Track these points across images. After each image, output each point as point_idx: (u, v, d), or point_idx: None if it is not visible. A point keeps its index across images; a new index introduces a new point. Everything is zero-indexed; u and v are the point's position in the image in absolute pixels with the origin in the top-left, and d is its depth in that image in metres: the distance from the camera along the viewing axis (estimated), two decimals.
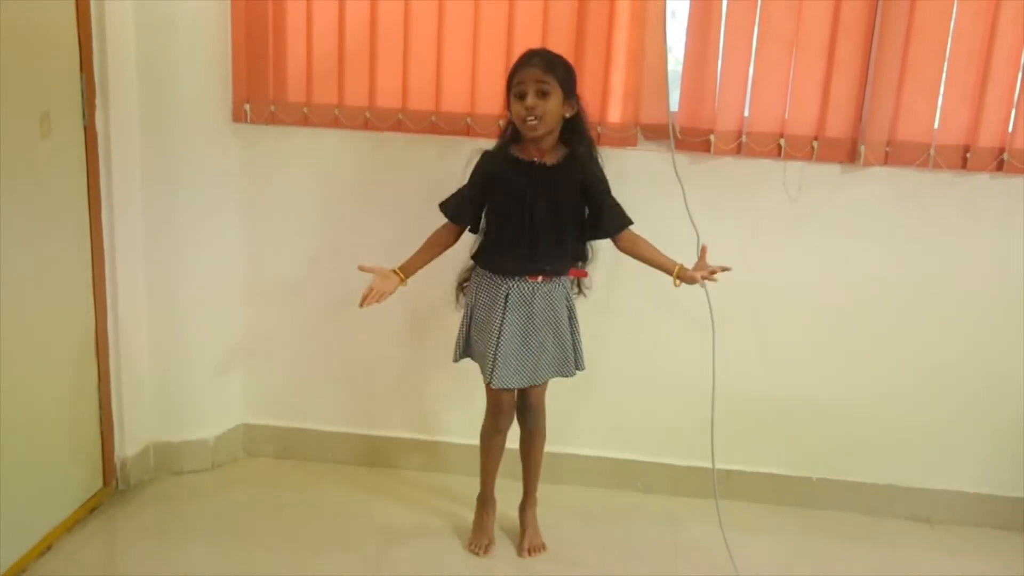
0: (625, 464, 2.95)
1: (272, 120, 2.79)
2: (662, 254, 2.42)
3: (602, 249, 2.53)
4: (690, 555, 2.64)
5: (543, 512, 2.66)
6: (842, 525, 2.85)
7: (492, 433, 2.58)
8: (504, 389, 2.45)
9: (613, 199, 2.41)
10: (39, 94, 2.32)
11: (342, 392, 3.04)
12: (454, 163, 2.70)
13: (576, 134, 2.37)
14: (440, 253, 2.46)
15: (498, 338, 2.38)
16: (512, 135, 2.39)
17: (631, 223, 2.42)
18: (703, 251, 2.37)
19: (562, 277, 2.44)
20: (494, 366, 2.38)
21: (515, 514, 2.67)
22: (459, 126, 2.73)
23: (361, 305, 2.33)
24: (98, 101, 2.54)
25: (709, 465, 2.62)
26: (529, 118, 2.25)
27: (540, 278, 2.38)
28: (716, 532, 2.55)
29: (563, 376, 2.49)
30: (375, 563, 2.53)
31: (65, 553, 2.47)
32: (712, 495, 2.63)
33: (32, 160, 2.30)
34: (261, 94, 2.77)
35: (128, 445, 2.81)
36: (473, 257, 2.47)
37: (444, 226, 2.45)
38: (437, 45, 2.69)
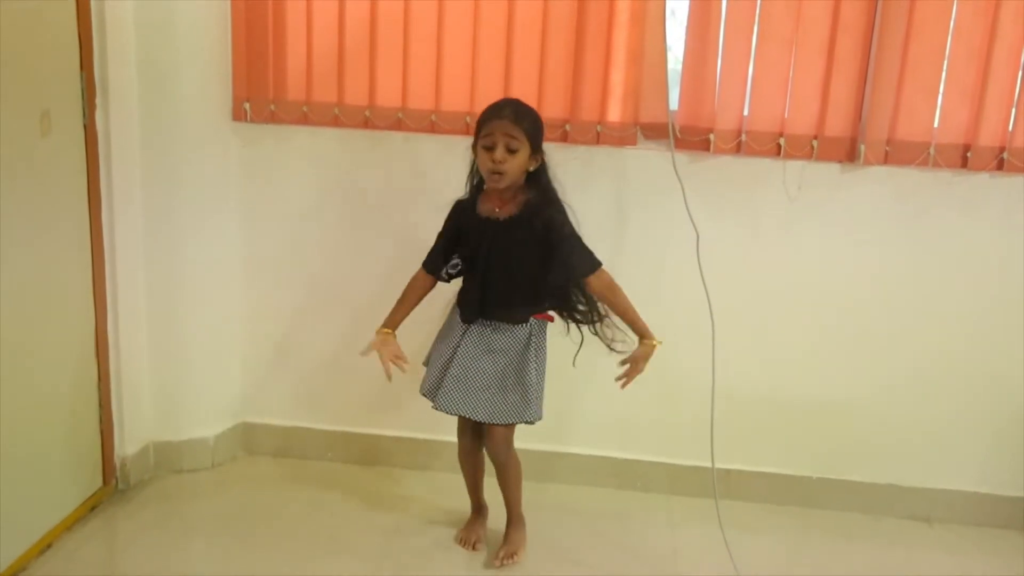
0: (624, 463, 2.95)
1: (272, 119, 2.80)
2: (636, 315, 2.38)
3: (600, 251, 2.52)
4: (690, 555, 2.64)
5: (542, 512, 2.66)
6: (842, 524, 2.84)
7: (459, 453, 2.58)
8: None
9: (578, 243, 2.35)
10: (39, 93, 2.32)
11: (342, 391, 3.04)
12: (454, 162, 2.70)
13: (537, 184, 2.35)
14: (419, 301, 2.47)
15: (450, 362, 2.42)
16: (479, 182, 2.41)
17: (598, 266, 2.36)
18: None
19: (531, 321, 2.41)
20: (439, 389, 2.41)
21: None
22: (459, 125, 2.73)
23: (390, 379, 2.39)
24: (98, 100, 2.54)
25: (709, 464, 2.63)
26: (494, 173, 2.27)
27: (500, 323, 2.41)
28: (716, 532, 2.55)
29: (505, 422, 2.41)
30: (375, 562, 2.52)
31: (65, 552, 2.47)
32: (712, 495, 2.63)
33: (32, 159, 2.30)
34: (261, 93, 2.78)
35: (128, 444, 2.81)
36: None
37: (419, 273, 2.48)
38: (437, 44, 2.69)
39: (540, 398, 2.44)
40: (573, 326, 2.49)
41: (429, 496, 2.88)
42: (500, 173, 2.27)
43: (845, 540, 2.77)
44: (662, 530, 2.76)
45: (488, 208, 2.37)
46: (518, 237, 2.33)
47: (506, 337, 2.40)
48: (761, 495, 2.92)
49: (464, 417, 2.46)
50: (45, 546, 2.45)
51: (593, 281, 2.36)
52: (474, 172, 2.42)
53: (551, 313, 2.47)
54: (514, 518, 2.58)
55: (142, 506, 2.75)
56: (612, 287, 2.37)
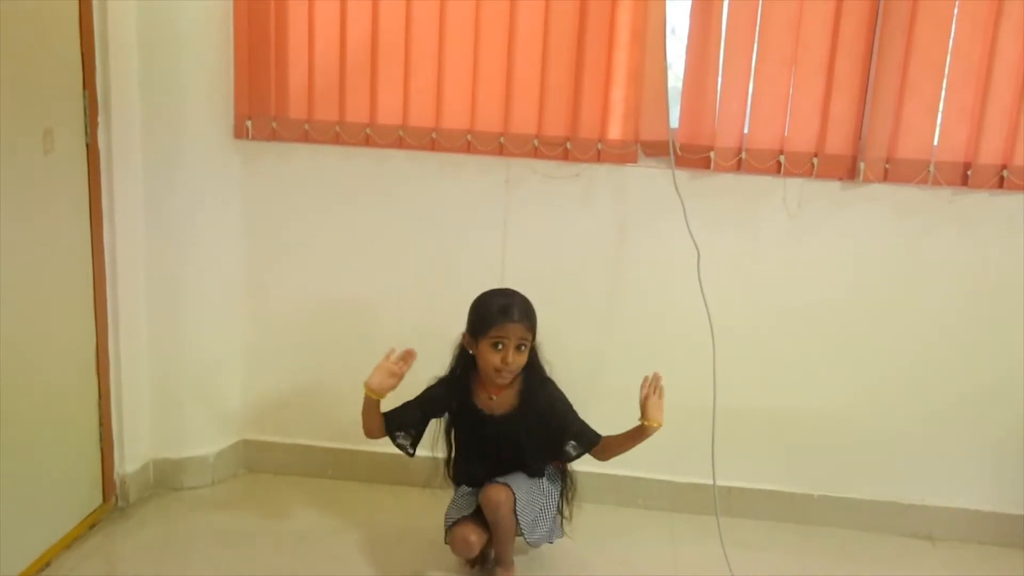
0: (625, 481, 2.94)
1: (273, 136, 2.81)
2: (625, 434, 2.39)
3: (601, 268, 2.53)
4: (691, 572, 2.63)
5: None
6: (843, 542, 2.83)
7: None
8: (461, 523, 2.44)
9: (577, 422, 2.41)
10: (42, 111, 2.33)
11: (342, 408, 3.01)
12: (454, 180, 2.72)
13: (530, 367, 2.37)
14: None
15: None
16: (464, 366, 2.41)
17: (599, 439, 2.41)
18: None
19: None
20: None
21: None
22: (459, 143, 2.73)
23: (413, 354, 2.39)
24: (100, 118, 2.55)
25: (710, 482, 2.62)
26: (505, 371, 2.30)
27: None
28: (717, 549, 2.55)
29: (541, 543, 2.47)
30: None
31: (64, 570, 2.45)
32: (713, 512, 2.63)
33: (34, 176, 2.31)
34: (263, 111, 2.79)
35: (128, 461, 2.80)
36: (450, 477, 2.53)
37: (375, 417, 2.43)
38: (438, 63, 2.70)
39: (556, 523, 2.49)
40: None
41: (431, 514, 2.86)
42: (510, 373, 2.31)
43: (847, 558, 2.76)
44: (663, 547, 2.75)
45: (483, 398, 2.39)
46: (521, 428, 2.37)
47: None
48: (762, 512, 2.91)
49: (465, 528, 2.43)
50: (44, 564, 2.44)
51: (597, 452, 2.43)
52: (462, 360, 2.42)
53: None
54: (506, 566, 2.50)
55: (142, 524, 2.74)
56: (606, 442, 2.42)
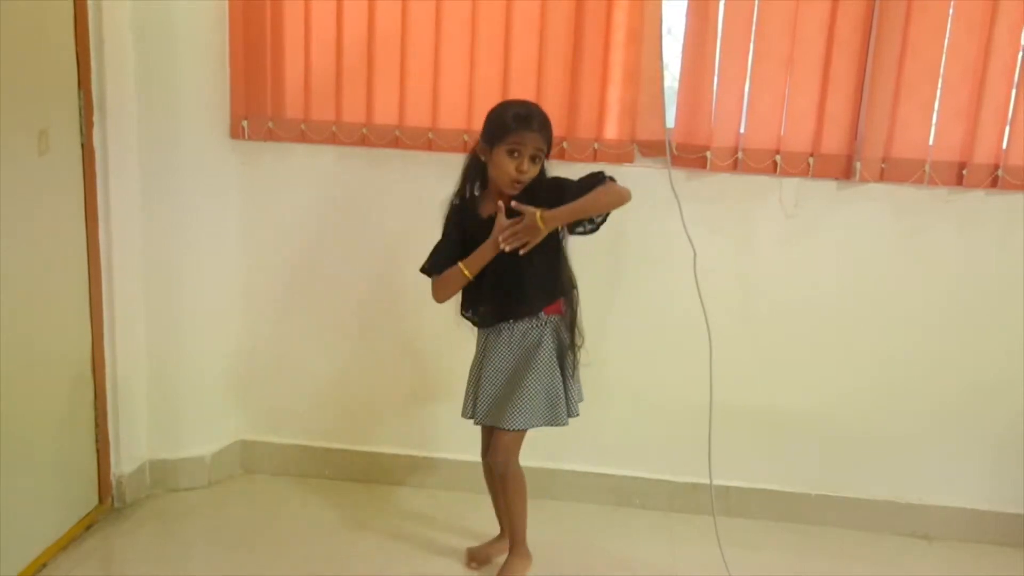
0: (623, 481, 2.94)
1: (270, 137, 2.80)
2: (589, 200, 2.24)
3: (597, 268, 2.53)
4: (689, 572, 2.62)
5: (541, 529, 2.64)
6: (841, 542, 2.84)
7: (485, 472, 2.55)
8: (486, 428, 2.45)
9: (581, 180, 2.28)
10: (37, 111, 2.32)
11: (340, 408, 3.03)
12: (451, 180, 2.71)
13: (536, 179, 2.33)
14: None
15: (478, 379, 2.40)
16: (476, 177, 2.37)
17: (606, 177, 2.26)
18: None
19: (540, 316, 2.35)
20: (475, 405, 2.40)
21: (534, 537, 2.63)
22: (456, 143, 2.74)
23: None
24: (96, 118, 2.55)
25: (707, 481, 2.63)
26: (518, 181, 2.26)
27: (512, 320, 2.36)
28: (714, 549, 2.55)
29: (553, 424, 2.36)
30: None
31: (60, 572, 2.45)
32: (710, 512, 2.63)
33: (30, 177, 2.30)
34: (259, 111, 2.78)
35: (124, 462, 2.80)
36: (462, 314, 2.44)
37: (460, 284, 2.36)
38: (434, 63, 2.70)
39: (574, 393, 2.41)
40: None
41: (427, 513, 2.87)
42: (523, 183, 2.27)
43: (844, 557, 2.76)
44: (661, 547, 2.75)
45: (490, 208, 2.33)
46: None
47: (523, 337, 2.35)
48: (760, 512, 2.91)
49: (486, 433, 2.46)
50: (40, 566, 2.44)
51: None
52: (474, 173, 2.37)
53: (559, 302, 2.39)
54: (515, 544, 2.48)
55: (138, 525, 2.74)
56: (617, 190, 2.25)
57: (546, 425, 2.35)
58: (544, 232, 2.22)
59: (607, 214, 2.28)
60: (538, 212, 2.20)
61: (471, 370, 2.45)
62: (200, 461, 2.96)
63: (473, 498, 2.78)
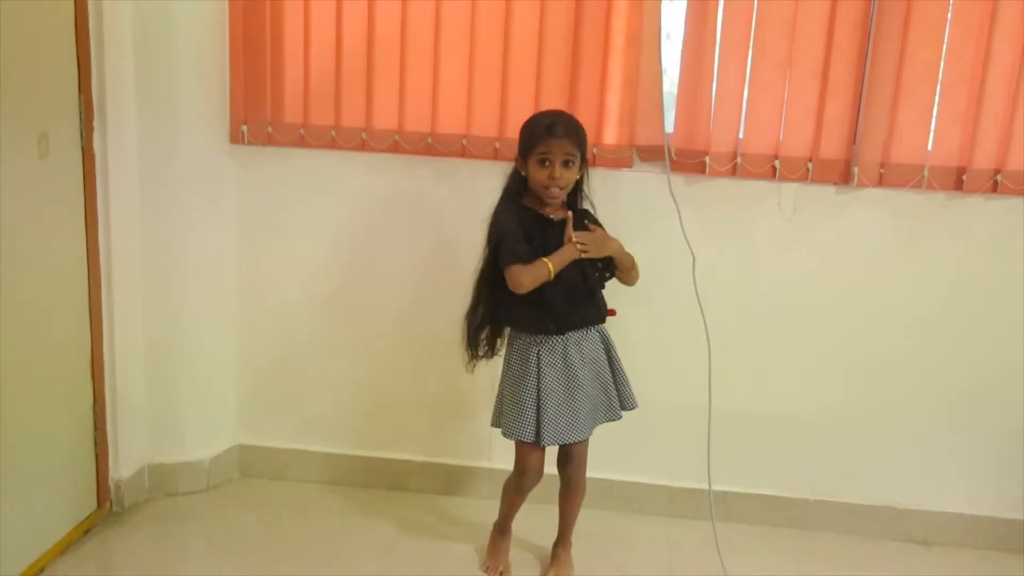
0: (621, 486, 2.94)
1: (269, 141, 2.81)
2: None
3: None
4: None
5: (539, 534, 2.65)
6: (840, 547, 2.83)
7: (516, 491, 2.53)
8: (536, 448, 2.41)
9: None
10: (37, 115, 2.33)
11: (338, 413, 3.03)
12: (451, 184, 2.72)
13: (578, 192, 2.40)
14: None
15: (538, 397, 2.36)
16: (517, 188, 2.39)
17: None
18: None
19: (597, 326, 2.44)
20: (540, 425, 2.36)
21: (541, 541, 2.67)
22: (455, 148, 2.74)
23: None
24: (96, 122, 2.55)
25: (706, 486, 2.62)
26: (554, 188, 2.30)
27: (568, 333, 2.38)
28: (713, 554, 2.55)
29: (611, 420, 2.46)
30: None
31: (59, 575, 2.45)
32: (709, 517, 2.62)
33: (30, 181, 2.31)
34: (258, 115, 2.79)
35: (123, 466, 2.80)
36: (504, 321, 2.43)
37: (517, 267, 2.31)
38: (433, 67, 2.70)
39: (629, 386, 2.49)
40: None
41: (427, 519, 2.87)
42: (560, 188, 2.31)
43: (843, 563, 2.75)
44: (659, 553, 2.75)
45: (542, 210, 2.37)
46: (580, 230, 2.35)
47: (575, 348, 2.38)
48: (758, 517, 2.91)
49: (539, 454, 2.44)
50: (39, 570, 2.44)
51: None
52: (515, 187, 2.39)
53: (612, 308, 2.48)
54: (568, 543, 2.61)
55: (137, 529, 2.73)
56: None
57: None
58: (611, 252, 2.36)
59: (614, 274, 2.44)
60: (616, 240, 2.37)
61: (524, 394, 2.37)
62: (199, 465, 2.96)
63: (472, 503, 2.78)
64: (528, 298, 2.31)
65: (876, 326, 2.77)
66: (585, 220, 2.39)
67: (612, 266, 2.41)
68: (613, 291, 2.45)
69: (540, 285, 2.29)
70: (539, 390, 2.36)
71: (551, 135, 2.28)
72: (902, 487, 2.86)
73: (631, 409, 2.48)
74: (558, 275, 2.30)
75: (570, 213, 2.33)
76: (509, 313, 2.40)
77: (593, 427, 2.45)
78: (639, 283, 2.56)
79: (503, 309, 2.40)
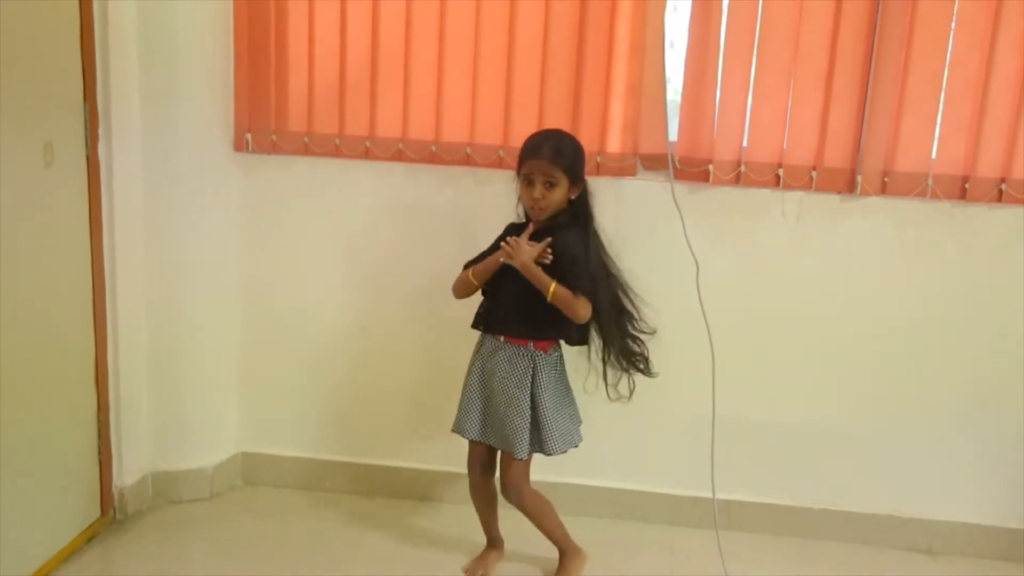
0: (624, 494, 2.94)
1: (273, 149, 2.81)
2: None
3: None
4: None
5: (541, 542, 2.64)
6: (843, 556, 2.82)
7: (470, 487, 2.58)
8: (472, 441, 2.49)
9: (581, 264, 2.33)
10: (43, 124, 2.33)
11: (341, 421, 3.03)
12: (454, 192, 2.72)
13: (572, 210, 2.38)
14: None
15: (465, 385, 2.47)
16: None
17: (587, 293, 2.31)
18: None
19: (529, 346, 2.38)
20: (457, 413, 2.48)
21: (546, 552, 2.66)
22: (459, 156, 2.74)
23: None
24: (101, 130, 2.56)
25: (709, 495, 2.62)
26: (535, 208, 2.33)
27: (502, 337, 2.41)
28: (716, 563, 2.55)
29: (512, 453, 2.39)
30: None
31: None
32: (712, 525, 2.62)
33: (35, 189, 2.31)
34: (262, 124, 2.79)
35: (126, 474, 2.80)
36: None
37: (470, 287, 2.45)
38: (437, 76, 2.71)
39: (561, 432, 2.42)
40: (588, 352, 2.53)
41: (429, 526, 2.87)
42: (541, 209, 2.33)
43: (846, 572, 2.75)
44: (662, 561, 2.74)
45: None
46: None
47: (506, 364, 2.40)
48: (762, 526, 2.90)
49: (476, 447, 2.49)
50: None
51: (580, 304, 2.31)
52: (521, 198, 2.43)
53: (551, 342, 2.43)
54: (564, 551, 2.59)
55: (140, 537, 2.73)
56: (573, 305, 2.30)
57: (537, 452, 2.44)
58: (517, 264, 2.29)
59: (586, 337, 2.45)
60: (533, 251, 2.29)
61: (466, 385, 2.49)
62: (202, 473, 2.96)
63: (473, 512, 2.77)
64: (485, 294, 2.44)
65: (880, 334, 2.77)
66: (561, 237, 2.33)
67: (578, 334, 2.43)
68: None
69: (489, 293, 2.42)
70: (467, 381, 2.47)
71: (535, 155, 2.31)
72: (906, 496, 2.86)
73: (549, 454, 2.41)
74: (501, 281, 2.36)
75: (531, 226, 2.34)
76: None
77: (493, 442, 2.45)
78: (642, 291, 2.57)
79: None
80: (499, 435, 2.42)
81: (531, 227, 2.34)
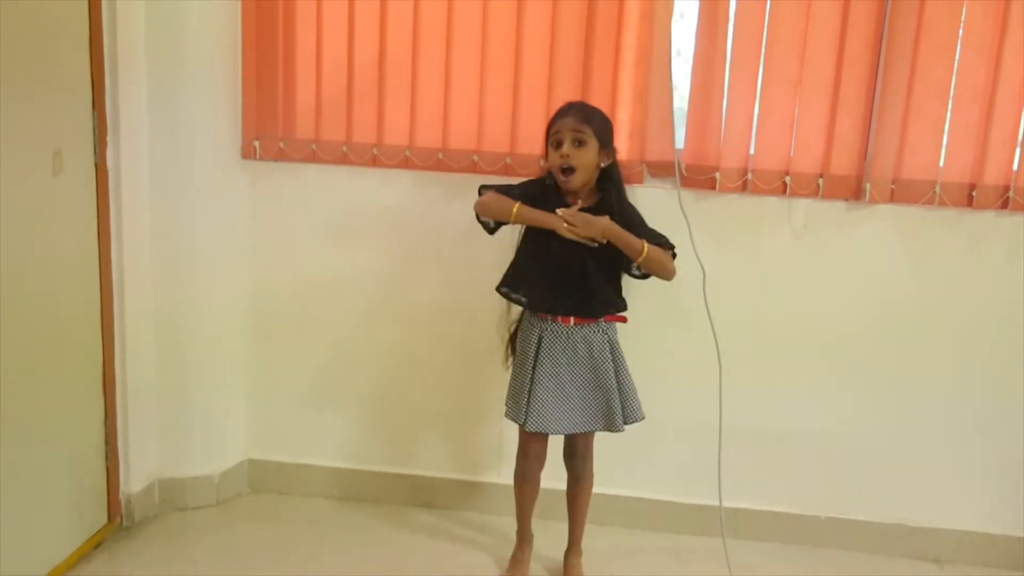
0: (631, 502, 2.93)
1: (281, 156, 2.82)
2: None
3: None
4: None
5: (549, 550, 2.64)
6: (850, 565, 2.81)
7: (521, 479, 2.56)
8: (536, 434, 2.43)
9: (650, 229, 2.37)
10: (51, 132, 2.34)
11: (347, 428, 3.03)
12: (461, 199, 2.72)
13: (610, 182, 2.38)
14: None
15: (531, 381, 2.38)
16: (553, 183, 2.40)
17: (672, 247, 2.37)
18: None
19: (600, 323, 2.39)
20: (528, 409, 2.38)
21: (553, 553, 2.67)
22: (466, 163, 2.75)
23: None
24: (109, 138, 2.56)
25: (716, 503, 2.61)
26: (564, 166, 2.29)
27: (572, 320, 2.37)
28: (723, 571, 2.54)
29: (610, 431, 2.41)
30: None
31: None
32: (719, 533, 2.62)
33: (43, 197, 2.32)
34: (270, 131, 2.81)
35: (133, 481, 2.80)
36: (499, 286, 2.42)
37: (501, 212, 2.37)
38: (445, 83, 2.72)
39: (634, 399, 2.43)
40: None
41: (435, 534, 2.86)
42: (570, 168, 2.29)
43: None
44: (669, 570, 2.73)
45: (571, 198, 2.37)
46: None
47: (583, 346, 2.38)
48: (769, 534, 2.89)
49: (539, 440, 2.47)
50: None
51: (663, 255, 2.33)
52: (547, 177, 2.41)
53: (623, 315, 2.44)
54: (577, 541, 2.61)
55: (146, 543, 2.74)
56: (664, 260, 2.34)
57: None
58: (598, 234, 2.26)
59: (632, 271, 2.36)
60: (606, 217, 2.27)
61: (522, 378, 2.41)
62: (209, 480, 2.96)
63: (479, 519, 2.77)
64: (521, 268, 2.38)
65: (887, 342, 2.76)
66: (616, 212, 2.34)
67: (628, 262, 2.33)
68: (637, 309, 2.44)
69: (525, 256, 2.36)
70: (533, 374, 2.38)
71: (562, 115, 2.33)
72: (914, 504, 2.85)
73: (635, 422, 2.43)
74: (544, 252, 2.32)
75: (579, 202, 2.32)
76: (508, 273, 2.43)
77: (585, 427, 2.42)
78: (648, 298, 2.57)
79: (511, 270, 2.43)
80: (595, 416, 2.40)
81: (579, 203, 2.31)
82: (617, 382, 2.40)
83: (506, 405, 2.48)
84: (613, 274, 2.39)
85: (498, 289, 2.42)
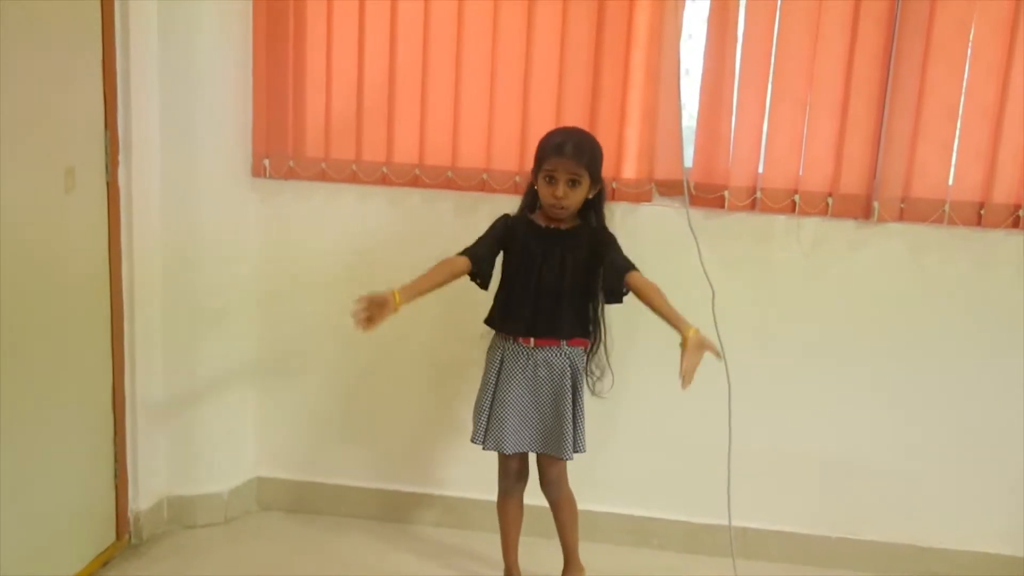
0: (640, 521, 2.92)
1: (291, 175, 2.84)
2: (671, 309, 2.31)
3: (615, 307, 2.52)
4: None
5: (557, 570, 2.63)
6: None
7: (503, 496, 2.56)
8: (504, 454, 2.46)
9: (623, 256, 2.39)
10: (64, 150, 2.36)
11: (356, 446, 3.03)
12: (470, 218, 2.73)
13: (591, 209, 2.41)
14: (446, 280, 2.36)
15: (492, 400, 2.42)
16: (531, 203, 2.43)
17: (632, 267, 2.36)
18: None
19: (563, 346, 2.40)
20: (487, 428, 2.42)
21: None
22: (475, 181, 2.76)
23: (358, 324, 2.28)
24: (121, 157, 2.58)
25: (726, 522, 2.60)
26: (557, 206, 2.32)
27: (532, 342, 2.38)
28: None
29: (556, 456, 2.42)
30: None
31: None
32: (729, 553, 2.60)
33: (56, 214, 2.34)
34: (280, 149, 2.82)
35: (142, 498, 2.80)
36: (486, 320, 2.47)
37: (457, 256, 2.40)
38: (454, 102, 2.73)
39: (582, 429, 2.44)
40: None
41: (444, 553, 2.85)
42: (563, 207, 2.32)
43: None
44: None
45: (546, 222, 2.40)
46: (574, 247, 2.37)
47: (545, 368, 2.39)
48: (779, 554, 2.88)
49: (514, 459, 2.47)
50: None
51: (636, 276, 2.34)
52: (529, 198, 2.44)
53: (585, 340, 2.46)
54: (572, 560, 2.60)
55: (155, 561, 2.73)
56: (647, 285, 2.33)
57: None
58: (698, 360, 2.26)
59: (629, 290, 2.36)
60: (692, 329, 2.27)
61: (484, 398, 2.45)
62: (217, 498, 2.96)
63: (488, 537, 2.76)
64: (498, 295, 2.42)
65: (897, 361, 2.75)
66: (594, 237, 2.40)
67: (610, 291, 2.37)
68: (626, 319, 2.44)
69: (503, 288, 2.42)
70: (494, 394, 2.41)
71: (558, 154, 2.30)
72: (925, 525, 2.83)
73: (579, 452, 2.43)
74: (524, 279, 2.36)
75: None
76: (491, 308, 2.47)
77: (540, 448, 2.43)
78: (657, 317, 2.57)
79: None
80: (548, 439, 2.41)
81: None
82: (573, 409, 2.40)
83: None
84: (587, 301, 2.43)
85: (487, 321, 2.47)
